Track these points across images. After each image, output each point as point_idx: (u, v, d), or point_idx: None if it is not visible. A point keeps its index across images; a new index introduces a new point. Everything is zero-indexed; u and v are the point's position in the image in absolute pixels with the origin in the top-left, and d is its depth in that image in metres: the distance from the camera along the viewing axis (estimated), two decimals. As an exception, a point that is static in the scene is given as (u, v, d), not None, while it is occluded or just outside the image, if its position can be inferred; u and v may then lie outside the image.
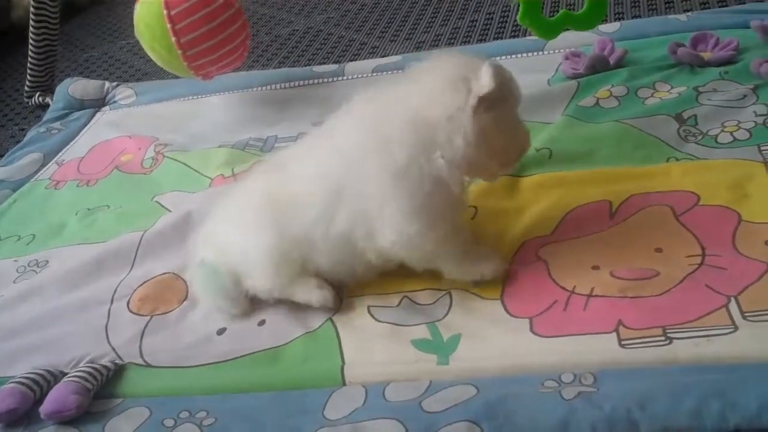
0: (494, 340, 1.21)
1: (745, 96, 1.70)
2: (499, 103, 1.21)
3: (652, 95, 1.77)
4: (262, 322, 1.37)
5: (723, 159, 1.51)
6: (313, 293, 1.33)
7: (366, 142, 1.25)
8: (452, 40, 2.42)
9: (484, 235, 1.42)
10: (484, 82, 1.18)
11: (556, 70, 1.97)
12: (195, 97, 2.31)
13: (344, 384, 1.22)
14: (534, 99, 1.81)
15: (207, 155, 1.95)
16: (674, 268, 1.26)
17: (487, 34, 2.41)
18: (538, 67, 2.03)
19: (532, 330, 1.22)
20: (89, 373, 1.30)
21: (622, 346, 1.15)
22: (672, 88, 1.78)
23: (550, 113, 1.77)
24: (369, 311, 1.33)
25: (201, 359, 1.33)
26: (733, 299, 1.18)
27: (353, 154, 1.26)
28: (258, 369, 1.28)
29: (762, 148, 1.52)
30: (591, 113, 1.73)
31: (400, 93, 1.26)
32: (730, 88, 1.74)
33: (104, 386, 1.31)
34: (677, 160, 1.54)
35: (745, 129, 1.59)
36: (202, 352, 1.34)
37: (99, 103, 2.41)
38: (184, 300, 1.47)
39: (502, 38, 2.37)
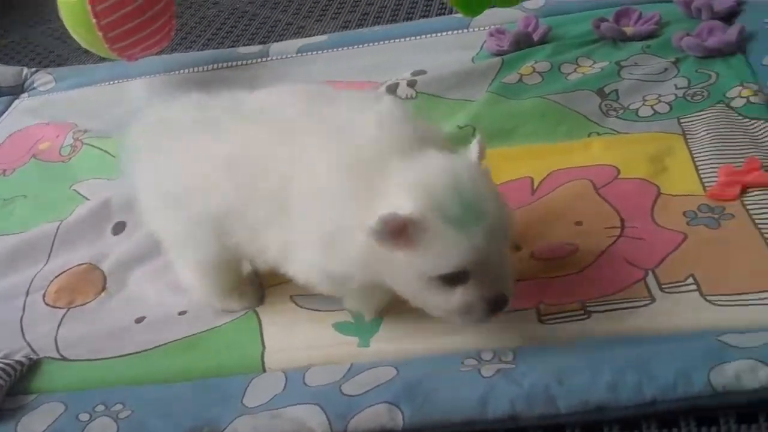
0: (415, 321, 1.19)
1: (666, 69, 1.71)
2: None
3: (575, 70, 1.76)
4: (183, 312, 1.34)
5: (643, 132, 1.52)
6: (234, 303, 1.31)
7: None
8: (378, 19, 2.39)
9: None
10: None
11: (481, 47, 1.96)
12: (117, 81, 2.25)
13: (264, 371, 1.20)
14: (458, 76, 1.81)
15: (128, 141, 1.90)
16: (594, 241, 1.26)
17: (413, 13, 2.39)
18: (463, 44, 2.01)
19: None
20: (2, 369, 1.25)
21: (542, 321, 1.15)
22: (595, 63, 1.78)
23: (474, 90, 1.76)
24: (292, 299, 1.30)
25: (118, 350, 1.29)
26: (650, 272, 1.18)
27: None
28: (177, 358, 1.25)
29: (682, 120, 1.53)
30: (515, 90, 1.72)
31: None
32: (652, 62, 1.75)
33: (18, 382, 1.26)
34: (599, 134, 1.54)
35: (666, 102, 1.60)
36: (120, 343, 1.31)
37: (17, 90, 2.34)
38: (102, 291, 1.43)
39: (428, 17, 2.35)
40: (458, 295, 1.00)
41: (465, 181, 0.97)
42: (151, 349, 1.28)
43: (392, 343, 1.18)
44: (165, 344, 1.28)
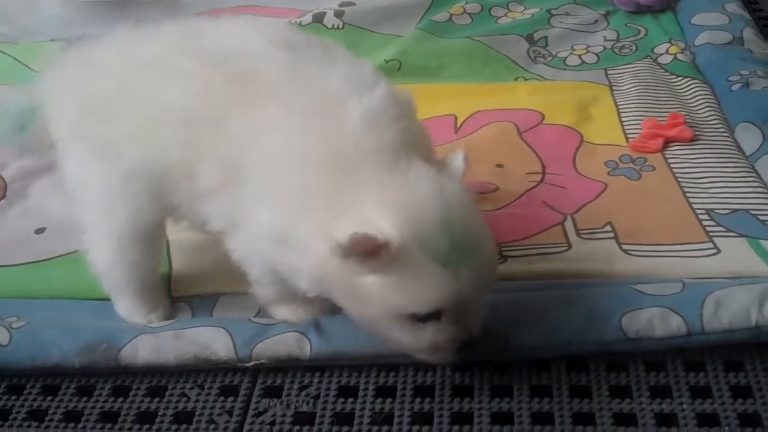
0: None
1: (596, 21, 1.71)
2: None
3: (505, 15, 1.75)
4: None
5: (570, 81, 1.51)
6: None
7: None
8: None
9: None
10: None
11: (413, -18, 1.91)
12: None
13: (170, 293, 1.14)
14: (387, 11, 1.77)
15: (37, 48, 1.80)
16: (514, 183, 1.24)
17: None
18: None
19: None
20: None
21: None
22: (525, 9, 1.77)
23: (402, 26, 1.72)
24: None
25: (15, 259, 1.22)
26: (569, 217, 1.17)
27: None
28: (78, 271, 1.18)
29: (609, 72, 1.53)
30: (443, 28, 1.69)
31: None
32: (582, 12, 1.74)
33: None
34: (525, 79, 1.53)
35: (594, 53, 1.59)
36: (18, 252, 1.22)
37: None
38: (2, 198, 1.35)
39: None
40: (428, 334, 0.86)
41: (456, 214, 0.82)
42: (49, 259, 1.21)
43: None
44: (65, 254, 1.21)
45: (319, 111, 0.88)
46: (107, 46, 1.04)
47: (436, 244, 0.80)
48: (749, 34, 1.60)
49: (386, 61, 1.57)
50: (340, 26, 1.71)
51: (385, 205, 0.81)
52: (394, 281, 0.81)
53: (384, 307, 0.84)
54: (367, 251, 0.79)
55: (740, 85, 1.42)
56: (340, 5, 1.78)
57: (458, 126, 1.39)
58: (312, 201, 0.85)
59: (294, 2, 1.88)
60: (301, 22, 1.72)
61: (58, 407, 0.96)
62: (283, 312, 1.03)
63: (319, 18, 1.72)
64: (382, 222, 0.80)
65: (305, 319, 1.00)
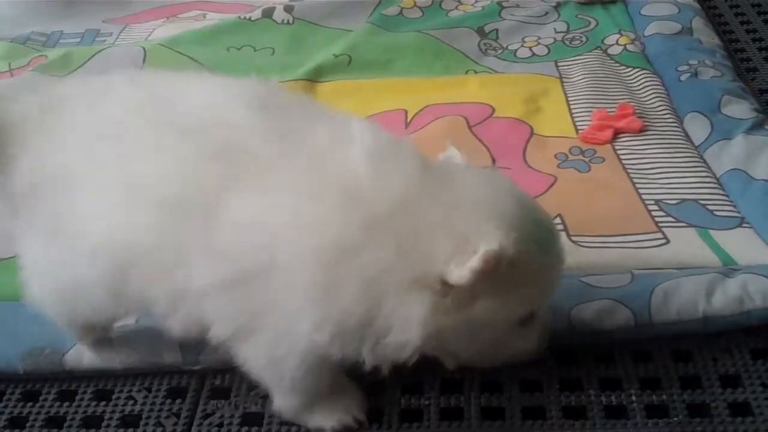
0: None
1: (547, 13, 1.71)
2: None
3: (456, 7, 1.74)
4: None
5: (521, 73, 1.51)
6: None
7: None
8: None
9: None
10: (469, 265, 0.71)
11: (365, -23, 1.90)
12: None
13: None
14: (338, 5, 1.77)
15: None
16: (464, 178, 1.23)
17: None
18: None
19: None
20: None
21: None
22: (476, 1, 1.76)
23: (353, 20, 1.71)
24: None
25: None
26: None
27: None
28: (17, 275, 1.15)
29: (559, 64, 1.53)
30: (394, 22, 1.69)
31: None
32: (533, 4, 1.74)
33: None
34: (476, 72, 1.52)
35: (544, 45, 1.59)
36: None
37: None
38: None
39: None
40: (533, 331, 0.82)
41: (528, 203, 0.79)
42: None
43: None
44: (3, 259, 1.18)
45: (324, 174, 0.76)
46: (59, 108, 0.87)
47: (532, 238, 0.75)
48: (698, 23, 1.60)
49: (336, 56, 1.55)
50: (290, 21, 1.70)
51: (473, 221, 0.73)
52: (507, 291, 0.74)
53: (500, 322, 0.77)
54: (490, 269, 0.70)
55: (689, 75, 1.42)
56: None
57: (409, 120, 1.38)
58: (385, 269, 0.72)
59: (246, -3, 1.87)
60: (250, 17, 1.70)
61: (2, 413, 0.94)
62: (318, 417, 0.88)
63: (268, 13, 1.71)
64: (483, 237, 0.71)
65: (346, 422, 0.87)
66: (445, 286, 0.72)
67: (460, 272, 0.70)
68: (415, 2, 1.74)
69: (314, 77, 1.50)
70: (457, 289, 0.72)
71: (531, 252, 0.74)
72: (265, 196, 0.75)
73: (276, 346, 0.79)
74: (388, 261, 0.72)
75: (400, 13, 1.71)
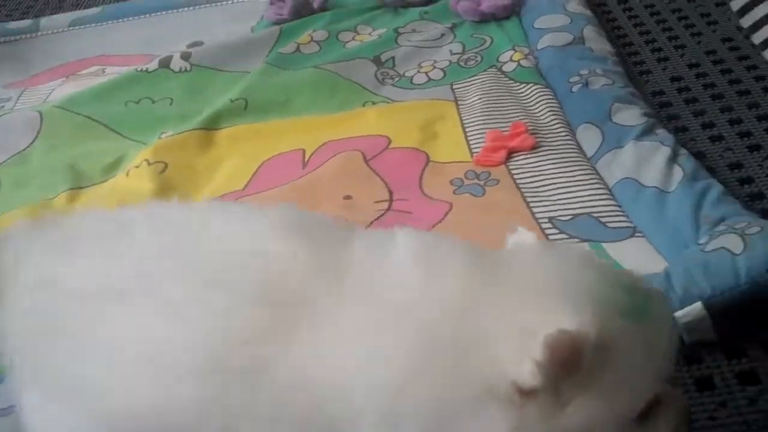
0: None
1: (442, 35, 1.71)
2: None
3: (353, 38, 1.74)
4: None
5: (417, 100, 1.51)
6: None
7: None
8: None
9: (176, 193, 1.33)
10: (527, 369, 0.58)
11: (262, 16, 1.90)
12: None
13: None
14: (236, 48, 1.76)
15: None
16: (361, 215, 1.22)
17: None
18: (244, 14, 1.96)
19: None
20: None
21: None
22: (373, 30, 1.77)
23: (251, 62, 1.70)
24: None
25: None
26: (416, 243, 1.16)
27: None
28: None
29: (455, 86, 1.53)
30: (291, 60, 1.68)
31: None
32: (429, 27, 1.75)
33: None
34: (373, 103, 1.52)
35: (440, 68, 1.60)
36: None
37: None
38: None
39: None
40: (662, 420, 0.64)
41: (611, 271, 0.67)
42: None
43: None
44: None
45: (375, 297, 0.65)
46: (70, 260, 0.75)
47: (622, 310, 0.60)
48: (590, 31, 1.62)
49: (232, 101, 1.54)
50: (188, 68, 1.68)
51: (539, 307, 0.60)
52: (607, 384, 0.59)
53: (608, 426, 0.61)
54: (565, 359, 0.57)
55: (580, 85, 1.43)
56: (188, 46, 1.76)
57: (306, 160, 1.37)
58: (454, 385, 0.60)
59: (145, 48, 1.86)
60: (147, 69, 1.69)
61: None
62: None
63: (165, 62, 1.69)
64: (548, 322, 0.58)
65: None
66: (523, 393, 0.58)
67: (528, 371, 0.57)
68: (311, 37, 1.74)
69: (211, 125, 1.48)
70: (537, 393, 0.58)
71: (624, 327, 0.60)
72: (324, 340, 0.63)
73: None
74: (455, 375, 0.60)
75: (297, 49, 1.71)
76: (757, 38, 1.55)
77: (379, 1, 1.86)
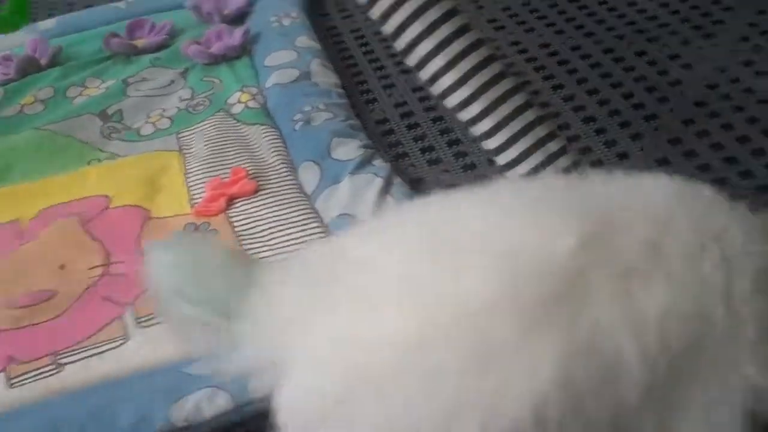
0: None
1: (173, 81, 1.68)
2: None
3: (81, 93, 1.68)
4: None
5: (143, 153, 1.47)
6: None
7: None
8: None
9: None
10: None
11: (-14, 78, 1.81)
12: None
13: None
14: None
15: None
16: (75, 284, 1.18)
17: None
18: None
19: None
20: None
21: (11, 386, 1.05)
22: (103, 82, 1.71)
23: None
24: None
25: None
26: (129, 307, 1.13)
27: None
28: None
29: (180, 135, 1.50)
30: (13, 123, 1.60)
31: None
32: (160, 74, 1.71)
33: None
34: (99, 161, 1.47)
35: (168, 117, 1.56)
36: None
37: None
38: None
39: None
40: None
41: None
42: None
43: None
44: None
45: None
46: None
47: None
48: (316, 65, 1.63)
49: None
50: None
51: None
52: None
53: None
54: None
55: (302, 123, 1.44)
56: None
57: (22, 231, 1.31)
58: None
59: None
60: None
61: None
62: None
63: None
64: None
65: None
66: None
67: None
68: (35, 97, 1.67)
69: None
70: None
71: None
72: None
73: None
74: None
75: (21, 111, 1.64)
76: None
77: (109, 51, 1.80)
